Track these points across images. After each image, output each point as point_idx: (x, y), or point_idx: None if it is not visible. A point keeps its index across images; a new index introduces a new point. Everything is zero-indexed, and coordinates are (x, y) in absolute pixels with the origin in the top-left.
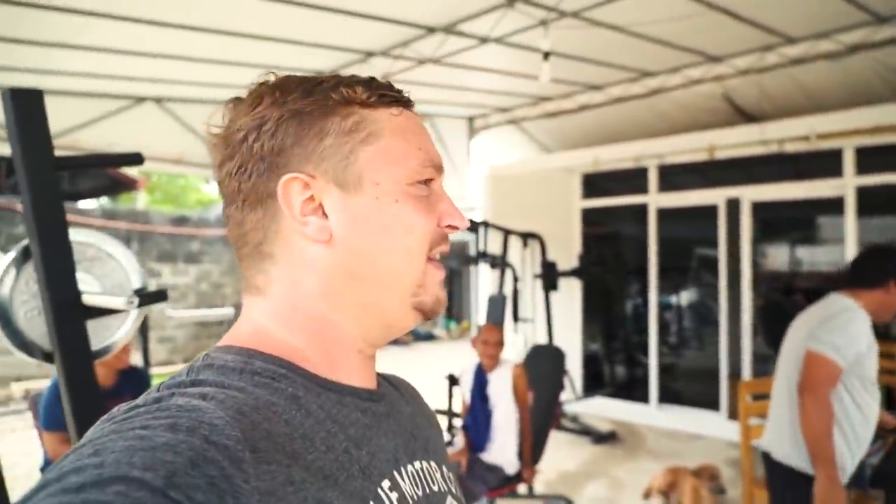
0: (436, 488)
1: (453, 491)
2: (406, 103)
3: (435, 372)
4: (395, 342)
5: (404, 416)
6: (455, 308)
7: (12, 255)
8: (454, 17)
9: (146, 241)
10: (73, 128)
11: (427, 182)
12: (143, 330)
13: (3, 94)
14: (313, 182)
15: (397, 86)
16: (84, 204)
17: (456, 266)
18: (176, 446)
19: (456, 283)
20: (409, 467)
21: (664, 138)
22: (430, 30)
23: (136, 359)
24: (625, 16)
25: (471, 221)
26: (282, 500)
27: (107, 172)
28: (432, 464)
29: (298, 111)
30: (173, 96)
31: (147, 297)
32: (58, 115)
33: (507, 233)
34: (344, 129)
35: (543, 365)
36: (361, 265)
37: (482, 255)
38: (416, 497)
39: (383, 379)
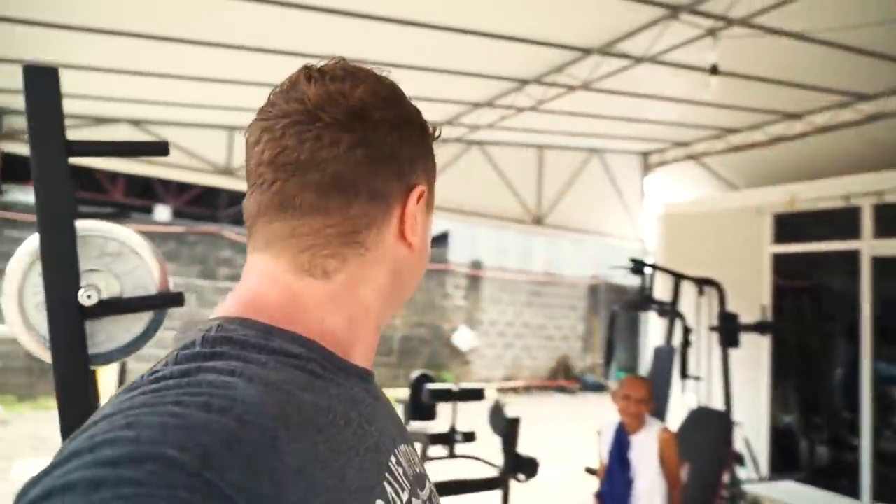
0: (418, 470)
1: (428, 475)
2: None
3: (596, 424)
4: (562, 390)
5: (384, 401)
6: (625, 358)
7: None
8: (611, 35)
9: None
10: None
11: None
12: None
13: (23, 70)
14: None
15: (558, 116)
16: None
17: (620, 310)
18: (210, 426)
19: (626, 332)
20: (401, 447)
21: (883, 172)
22: (586, 51)
23: None
24: (816, 22)
25: (636, 262)
26: (312, 476)
27: None
28: (411, 448)
29: (426, 128)
30: None
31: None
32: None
33: (678, 277)
34: (434, 158)
35: (704, 432)
36: (419, 267)
37: (649, 302)
38: (410, 475)
39: None
